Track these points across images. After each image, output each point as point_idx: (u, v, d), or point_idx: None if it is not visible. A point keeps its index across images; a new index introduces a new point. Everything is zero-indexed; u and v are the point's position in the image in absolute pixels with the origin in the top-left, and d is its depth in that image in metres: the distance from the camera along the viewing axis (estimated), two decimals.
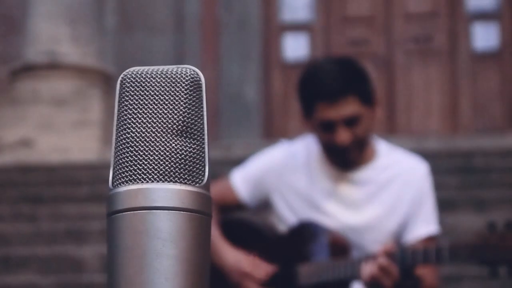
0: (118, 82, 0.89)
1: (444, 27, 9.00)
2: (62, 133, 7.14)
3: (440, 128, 8.84)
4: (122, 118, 0.85)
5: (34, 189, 6.22)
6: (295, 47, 9.14)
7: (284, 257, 2.46)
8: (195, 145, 0.86)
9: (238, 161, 4.76)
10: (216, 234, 2.51)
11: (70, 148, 7.11)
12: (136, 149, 0.84)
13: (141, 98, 0.86)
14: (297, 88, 2.48)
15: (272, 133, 8.94)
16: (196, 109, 0.87)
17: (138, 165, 0.84)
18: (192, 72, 0.87)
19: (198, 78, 0.87)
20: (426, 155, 6.39)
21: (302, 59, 9.10)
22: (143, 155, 0.84)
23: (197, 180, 0.84)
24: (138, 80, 0.87)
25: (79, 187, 6.18)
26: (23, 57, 7.54)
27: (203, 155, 0.86)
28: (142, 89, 0.86)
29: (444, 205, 5.32)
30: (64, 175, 6.53)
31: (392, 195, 2.48)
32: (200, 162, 0.85)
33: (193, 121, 0.86)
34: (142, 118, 0.85)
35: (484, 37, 8.89)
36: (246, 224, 2.62)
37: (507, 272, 2.08)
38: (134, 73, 0.88)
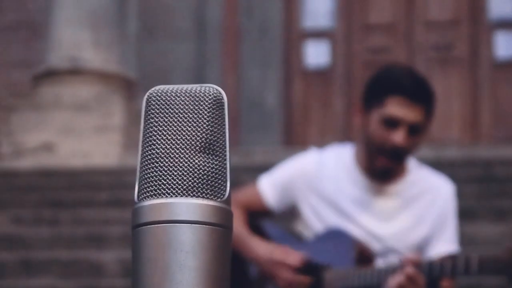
0: (144, 99, 0.92)
1: (466, 35, 8.98)
2: (84, 138, 7.19)
3: (461, 136, 8.82)
4: (148, 135, 0.89)
5: (55, 193, 6.26)
6: (316, 54, 9.15)
7: (310, 263, 2.47)
8: (217, 162, 0.89)
9: (257, 168, 4.79)
10: (243, 231, 2.51)
11: (91, 153, 7.16)
12: (161, 164, 0.87)
13: (166, 116, 0.89)
14: (373, 77, 2.50)
15: (292, 140, 8.96)
16: (219, 127, 0.90)
17: (162, 180, 0.87)
18: (215, 91, 0.90)
19: (220, 97, 0.91)
20: (445, 163, 6.40)
21: (323, 66, 9.11)
22: (167, 171, 0.87)
23: (219, 195, 0.87)
24: (164, 98, 0.90)
25: (100, 191, 6.22)
26: (45, 62, 7.61)
27: (224, 171, 0.89)
28: (167, 107, 0.89)
29: (464, 215, 5.32)
30: (85, 179, 6.57)
31: (418, 210, 2.51)
32: (222, 178, 0.88)
33: (215, 138, 0.89)
34: (166, 135, 0.88)
35: (506, 45, 8.86)
36: (274, 227, 2.64)
37: None
38: (160, 91, 0.91)
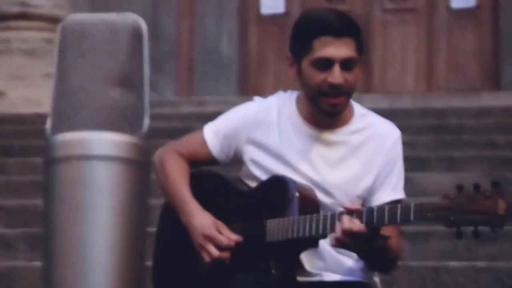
0: (59, 29, 0.87)
1: None
2: (34, 85, 7.07)
3: (416, 86, 8.85)
4: (62, 67, 0.85)
5: (4, 140, 6.16)
6: (272, 2, 9.07)
7: (252, 212, 2.44)
8: (135, 96, 0.85)
9: (211, 117, 4.74)
10: (186, 192, 2.47)
11: (41, 100, 7.04)
12: (75, 97, 0.84)
13: (81, 47, 0.86)
14: (295, 26, 2.47)
15: (248, 89, 8.91)
16: (137, 60, 0.86)
17: (75, 114, 0.83)
18: (133, 21, 0.86)
19: (139, 28, 0.86)
20: (399, 113, 6.41)
21: (279, 13, 9.04)
22: (81, 104, 0.84)
23: (136, 130, 0.84)
24: (79, 29, 0.86)
25: None
26: None
27: (142, 105, 0.85)
28: (82, 37, 0.86)
29: (416, 164, 5.34)
30: (34, 127, 6.48)
31: (363, 158, 2.47)
32: (139, 113, 0.85)
33: (133, 71, 0.85)
34: (81, 67, 0.85)
35: None
36: (215, 177, 2.59)
37: (472, 233, 2.08)
38: (75, 21, 0.87)
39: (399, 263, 2.56)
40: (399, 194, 2.47)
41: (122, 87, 0.83)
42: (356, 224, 2.21)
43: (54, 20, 7.28)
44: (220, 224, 2.42)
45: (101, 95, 0.83)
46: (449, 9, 8.92)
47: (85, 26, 0.86)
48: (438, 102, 6.94)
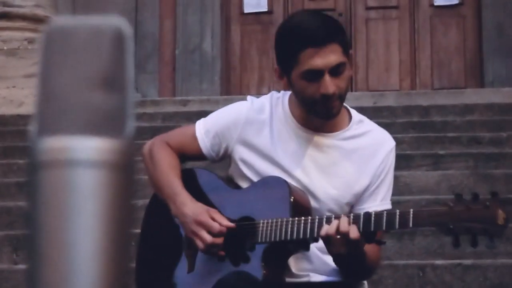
0: (43, 33, 0.86)
1: None
2: (15, 85, 7.02)
3: (400, 84, 8.86)
4: (45, 70, 0.83)
5: None
6: (255, 1, 9.05)
7: (245, 211, 2.41)
8: (117, 99, 0.83)
9: (195, 116, 4.72)
10: (177, 183, 2.45)
11: (23, 101, 7.00)
12: (58, 101, 0.82)
13: (64, 49, 0.84)
14: (278, 40, 2.41)
15: (231, 87, 8.89)
16: (119, 62, 0.84)
17: (58, 118, 0.81)
18: (116, 24, 0.85)
19: (122, 30, 0.85)
20: (384, 110, 6.41)
21: (262, 12, 9.03)
22: (64, 107, 0.82)
23: (119, 133, 0.82)
24: (62, 31, 0.84)
25: None
26: None
27: (125, 109, 0.83)
28: (66, 41, 0.84)
29: (400, 162, 5.34)
30: (16, 128, 6.43)
31: (355, 165, 2.44)
32: (123, 116, 0.83)
33: (115, 74, 0.83)
34: (65, 70, 0.83)
35: None
36: (207, 174, 2.57)
37: (470, 242, 2.07)
38: (59, 24, 0.85)
39: (386, 261, 2.55)
40: (387, 205, 2.44)
41: (105, 90, 0.81)
42: (353, 231, 2.18)
43: (35, 20, 7.24)
44: (212, 211, 2.39)
45: (85, 98, 0.81)
46: (432, 6, 8.94)
47: (68, 29, 0.84)
48: (422, 99, 6.94)
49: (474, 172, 5.23)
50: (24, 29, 7.20)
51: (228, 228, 2.35)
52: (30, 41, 7.19)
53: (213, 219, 2.36)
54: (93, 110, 0.81)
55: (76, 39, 0.83)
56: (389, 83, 8.81)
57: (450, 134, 5.97)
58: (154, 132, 6.07)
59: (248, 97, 2.59)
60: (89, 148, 0.80)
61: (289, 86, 2.43)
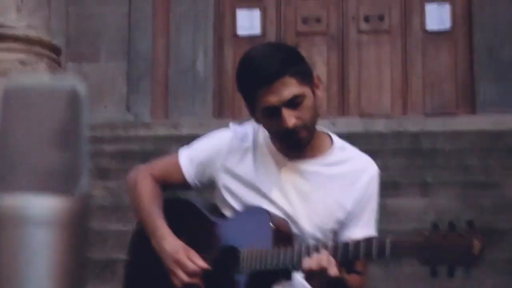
0: (3, 92, 0.88)
1: (397, 5, 9.02)
2: None
3: (391, 107, 8.87)
4: (2, 127, 0.85)
5: None
6: (248, 21, 9.08)
7: (226, 241, 2.44)
8: (70, 156, 0.85)
9: (186, 139, 4.71)
10: (157, 216, 2.48)
11: None
12: (13, 158, 0.84)
13: (21, 108, 0.86)
14: (236, 82, 2.43)
15: (223, 108, 8.90)
16: (74, 121, 0.86)
17: (13, 175, 0.83)
18: (71, 85, 0.87)
19: (77, 91, 0.87)
20: (374, 135, 6.42)
21: (255, 34, 9.05)
22: (19, 165, 0.84)
23: (71, 191, 0.84)
24: (20, 92, 0.87)
25: None
26: None
27: (78, 167, 0.85)
28: (22, 100, 0.86)
29: (388, 188, 5.35)
30: None
31: (337, 191, 2.45)
32: (75, 174, 0.85)
33: (70, 133, 0.85)
34: (20, 128, 0.85)
35: (436, 15, 8.93)
36: (190, 204, 2.59)
37: (447, 272, 2.09)
38: (17, 84, 0.88)
39: None
40: (371, 231, 2.45)
41: (59, 148, 0.83)
42: (332, 268, 2.19)
43: (28, 42, 7.24)
44: (190, 251, 2.41)
45: (39, 156, 0.83)
46: (424, 30, 8.98)
47: (25, 88, 0.86)
48: (413, 125, 6.96)
49: (462, 200, 5.25)
50: (16, 50, 7.20)
51: (203, 268, 2.37)
52: (23, 62, 7.20)
53: (190, 259, 2.39)
54: (46, 168, 0.82)
55: (32, 98, 0.85)
56: (381, 106, 8.83)
57: (439, 161, 5.99)
58: (145, 155, 6.08)
59: (231, 124, 2.61)
60: (41, 206, 0.81)
61: (258, 123, 2.46)
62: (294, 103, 2.33)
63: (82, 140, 0.86)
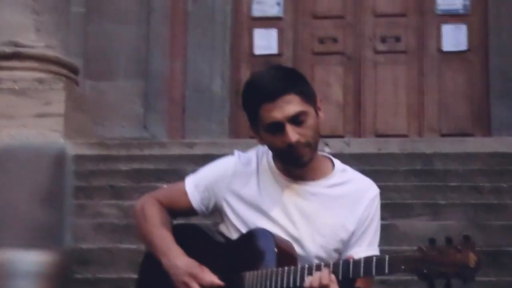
0: None
1: (413, 27, 9.04)
2: (24, 124, 7.10)
3: (406, 128, 8.88)
4: None
5: None
6: (264, 42, 9.13)
7: (231, 264, 2.48)
8: (56, 214, 0.89)
9: (200, 159, 4.73)
10: (168, 237, 2.53)
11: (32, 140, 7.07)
12: (1, 215, 0.89)
13: (9, 168, 0.91)
14: (242, 102, 2.51)
15: (240, 129, 8.93)
16: (60, 180, 0.91)
17: (1, 230, 0.88)
18: (58, 146, 0.92)
19: (63, 152, 0.92)
20: (387, 158, 6.41)
21: (271, 54, 9.09)
22: (6, 221, 0.88)
23: (56, 246, 0.88)
24: (8, 151, 0.92)
25: None
26: None
27: (62, 223, 0.90)
28: (11, 159, 0.91)
29: (400, 210, 5.36)
30: None
31: (339, 212, 2.51)
32: (59, 230, 0.89)
33: (55, 191, 0.90)
34: (7, 187, 0.90)
35: (452, 37, 8.94)
36: (196, 229, 2.64)
37: (444, 286, 2.14)
38: (5, 144, 0.92)
39: None
40: (374, 251, 2.50)
41: (45, 206, 0.88)
42: (333, 281, 2.25)
43: (46, 61, 7.33)
44: (204, 267, 2.47)
45: (25, 214, 0.88)
46: (440, 51, 8.99)
47: (13, 149, 0.91)
48: (426, 146, 6.96)
49: (473, 223, 5.24)
50: (34, 69, 7.29)
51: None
52: (40, 81, 7.28)
53: (205, 273, 2.45)
54: (32, 224, 0.87)
55: (20, 159, 0.90)
56: (397, 127, 8.83)
57: (452, 183, 5.99)
58: (159, 175, 6.12)
59: (235, 151, 2.68)
60: (28, 261, 0.86)
61: (262, 142, 2.53)
62: (297, 120, 2.41)
63: (67, 198, 0.92)
